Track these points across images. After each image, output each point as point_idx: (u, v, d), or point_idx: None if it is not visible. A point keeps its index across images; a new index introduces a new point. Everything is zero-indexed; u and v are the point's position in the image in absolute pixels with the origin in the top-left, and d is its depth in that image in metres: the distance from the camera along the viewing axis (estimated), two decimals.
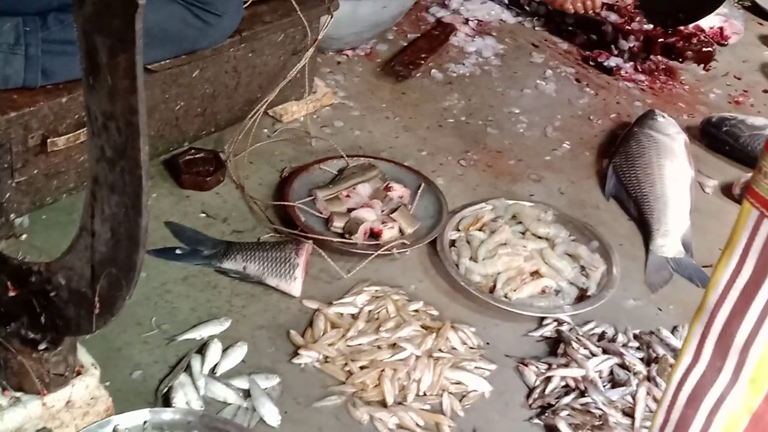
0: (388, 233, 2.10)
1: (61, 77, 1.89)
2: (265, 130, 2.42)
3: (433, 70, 2.84)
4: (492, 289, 2.03)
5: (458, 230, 2.18)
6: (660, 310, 2.09)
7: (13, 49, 1.84)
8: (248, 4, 2.28)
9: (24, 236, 1.97)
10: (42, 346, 1.49)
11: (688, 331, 1.05)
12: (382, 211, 2.16)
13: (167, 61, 2.09)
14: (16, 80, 1.86)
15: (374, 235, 2.10)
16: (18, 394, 1.52)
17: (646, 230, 2.28)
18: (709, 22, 3.20)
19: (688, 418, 1.06)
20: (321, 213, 2.16)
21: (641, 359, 1.89)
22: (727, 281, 1.00)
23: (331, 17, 2.41)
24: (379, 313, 1.92)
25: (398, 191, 2.23)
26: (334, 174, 2.29)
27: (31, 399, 1.52)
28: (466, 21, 3.13)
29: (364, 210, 2.14)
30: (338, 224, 2.11)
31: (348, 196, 2.19)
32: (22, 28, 1.86)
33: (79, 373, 1.57)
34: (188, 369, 1.73)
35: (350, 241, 2.08)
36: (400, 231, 2.13)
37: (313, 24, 2.39)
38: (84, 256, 1.35)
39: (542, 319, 1.98)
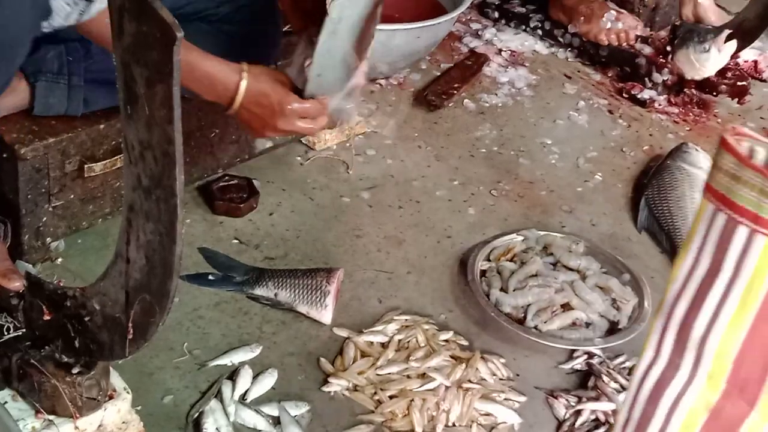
0: None
1: (102, 105, 1.90)
2: (298, 158, 2.43)
3: (465, 100, 2.85)
4: (522, 321, 2.03)
5: (489, 260, 2.18)
6: None
7: (56, 79, 1.84)
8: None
9: (59, 260, 1.99)
10: (75, 370, 1.51)
11: (650, 326, 1.04)
12: None
13: None
14: (58, 109, 1.87)
15: None
16: (51, 417, 1.54)
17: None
18: (744, 56, 3.18)
19: (649, 415, 1.03)
20: None
21: None
22: (686, 275, 0.99)
23: None
24: (408, 342, 1.93)
25: None
26: None
27: (63, 422, 1.54)
28: (499, 51, 3.14)
29: None
30: None
31: None
32: (65, 57, 1.86)
33: (111, 397, 1.59)
34: (219, 395, 1.74)
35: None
36: None
37: None
38: (118, 282, 1.37)
39: (572, 351, 1.97)
